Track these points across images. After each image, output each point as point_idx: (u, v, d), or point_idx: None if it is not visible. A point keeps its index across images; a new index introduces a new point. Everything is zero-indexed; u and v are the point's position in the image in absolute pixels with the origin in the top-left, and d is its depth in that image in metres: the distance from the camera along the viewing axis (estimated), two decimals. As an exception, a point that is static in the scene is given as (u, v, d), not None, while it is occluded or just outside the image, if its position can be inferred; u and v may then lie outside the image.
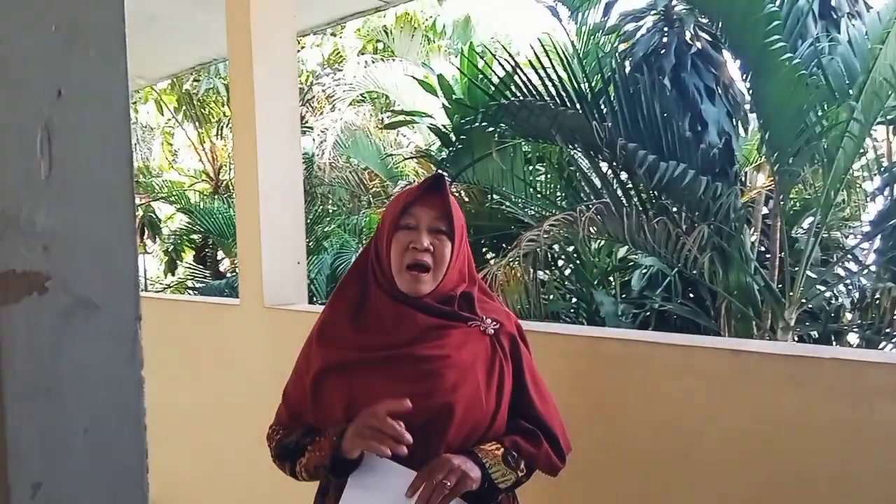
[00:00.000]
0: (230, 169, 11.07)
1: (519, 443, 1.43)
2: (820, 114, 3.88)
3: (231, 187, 10.47)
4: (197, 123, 11.53)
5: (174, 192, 10.08)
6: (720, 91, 4.36)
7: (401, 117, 7.51)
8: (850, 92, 3.97)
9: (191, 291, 9.57)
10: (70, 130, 0.58)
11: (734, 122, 4.48)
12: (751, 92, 3.88)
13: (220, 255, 10.39)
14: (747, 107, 4.58)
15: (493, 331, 1.46)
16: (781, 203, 4.12)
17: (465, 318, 1.45)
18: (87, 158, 0.59)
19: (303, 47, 10.73)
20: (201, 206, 9.37)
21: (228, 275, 9.59)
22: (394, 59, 9.57)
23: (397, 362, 1.38)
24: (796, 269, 4.16)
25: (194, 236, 10.24)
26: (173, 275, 10.55)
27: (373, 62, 10.22)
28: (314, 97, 11.31)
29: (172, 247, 10.40)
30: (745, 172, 5.44)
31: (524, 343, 1.56)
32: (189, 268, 10.64)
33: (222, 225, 8.59)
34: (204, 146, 11.61)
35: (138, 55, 4.58)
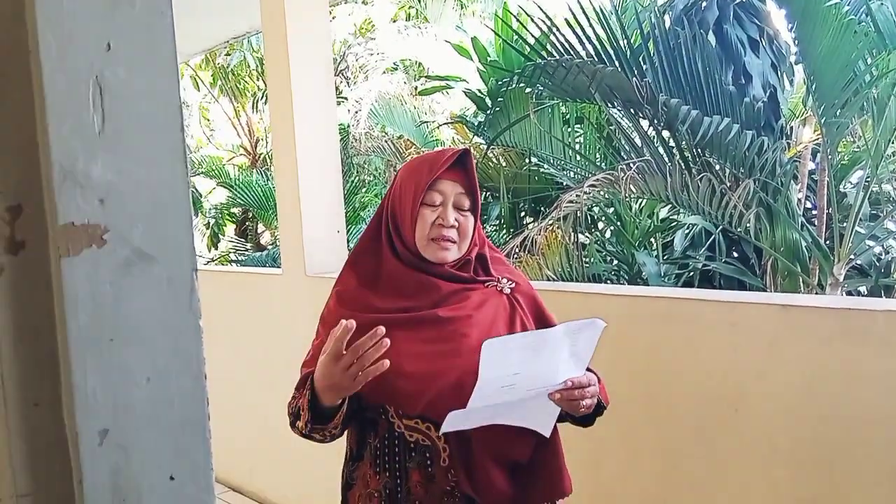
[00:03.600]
0: (267, 142, 11.15)
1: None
2: (869, 62, 3.75)
3: (268, 160, 10.56)
4: (232, 97, 11.60)
5: (213, 167, 10.19)
6: (764, 42, 4.22)
7: (435, 83, 7.45)
8: (901, 38, 3.82)
9: (233, 264, 9.71)
10: (121, 83, 0.58)
11: (779, 75, 4.35)
12: (796, 42, 3.76)
13: (261, 227, 10.51)
14: (793, 58, 4.44)
15: (509, 290, 1.51)
16: (829, 157, 4.01)
17: (482, 280, 1.49)
18: (139, 111, 0.59)
19: (334, 17, 10.69)
20: (240, 180, 9.46)
21: (269, 247, 9.70)
22: (427, 25, 9.48)
23: (421, 324, 1.42)
24: (844, 224, 4.06)
25: (234, 210, 10.37)
26: (216, 249, 10.71)
27: (406, 29, 10.14)
28: (348, 67, 11.28)
29: (214, 221, 10.55)
30: (791, 127, 5.30)
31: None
32: (231, 241, 10.79)
33: (261, 197, 8.67)
34: (240, 120, 11.69)
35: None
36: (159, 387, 0.59)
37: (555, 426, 1.44)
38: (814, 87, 3.66)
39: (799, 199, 4.66)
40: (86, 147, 0.57)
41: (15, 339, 0.56)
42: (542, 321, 1.54)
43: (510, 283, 1.52)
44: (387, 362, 1.27)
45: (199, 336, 0.62)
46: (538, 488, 1.45)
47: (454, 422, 1.30)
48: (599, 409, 1.46)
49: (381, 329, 1.26)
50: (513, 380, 1.29)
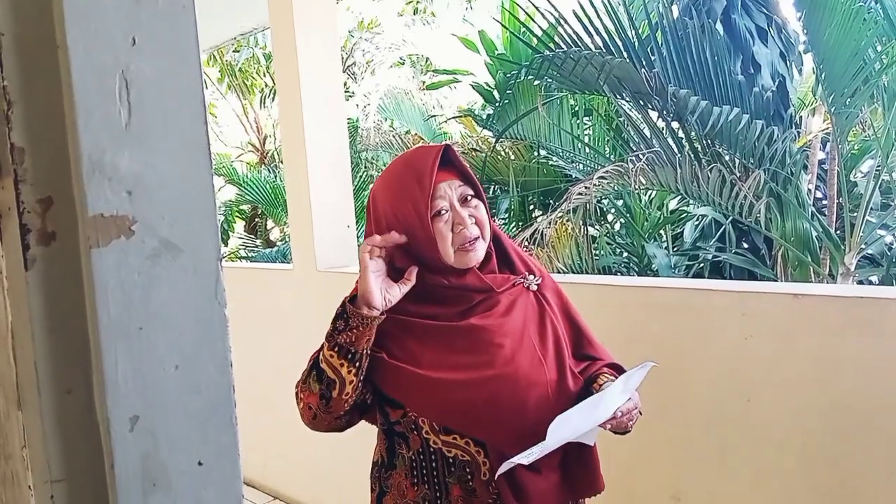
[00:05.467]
0: (275, 138, 11.17)
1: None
2: (879, 50, 3.73)
3: (277, 157, 10.58)
4: (240, 94, 11.63)
5: (221, 165, 10.22)
6: (773, 31, 4.21)
7: (443, 77, 7.44)
8: (912, 25, 3.80)
9: (243, 261, 9.75)
10: (145, 77, 0.60)
11: (788, 64, 4.34)
12: (805, 31, 3.74)
13: (270, 224, 10.54)
14: (801, 47, 4.42)
15: (535, 286, 1.46)
16: (839, 146, 3.99)
17: (507, 281, 1.43)
18: (164, 104, 0.60)
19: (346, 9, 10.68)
20: (248, 177, 9.48)
21: (279, 243, 9.73)
22: (434, 19, 9.48)
23: (452, 333, 1.37)
24: (855, 213, 4.04)
25: (244, 207, 10.40)
26: (226, 245, 10.75)
27: (413, 23, 10.14)
28: (355, 63, 11.29)
29: (223, 217, 10.58)
30: (801, 117, 5.28)
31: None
32: (240, 238, 10.82)
33: (270, 194, 8.69)
34: (248, 117, 11.71)
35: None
36: (187, 374, 0.61)
37: None
38: (823, 75, 3.64)
39: (809, 189, 4.64)
40: (113, 140, 0.58)
41: (47, 329, 0.58)
42: (570, 317, 1.52)
43: (536, 278, 1.47)
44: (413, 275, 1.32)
45: (224, 324, 0.63)
46: (577, 488, 1.45)
47: (508, 464, 1.29)
48: None
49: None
50: (573, 433, 1.32)
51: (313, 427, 1.41)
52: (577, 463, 1.44)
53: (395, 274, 1.37)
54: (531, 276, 1.47)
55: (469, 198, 1.39)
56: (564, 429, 1.28)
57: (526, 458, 1.27)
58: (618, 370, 1.51)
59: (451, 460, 1.37)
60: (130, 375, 0.58)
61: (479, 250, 1.38)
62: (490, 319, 1.38)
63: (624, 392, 1.36)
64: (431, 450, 1.38)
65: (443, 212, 1.35)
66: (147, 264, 0.59)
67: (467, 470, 1.37)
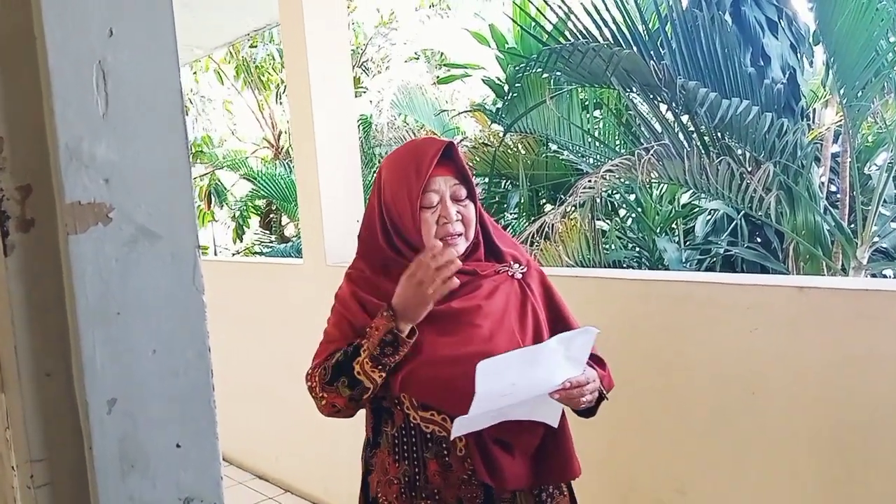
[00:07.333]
0: (290, 134, 11.21)
1: (595, 367, 1.50)
2: (891, 40, 3.68)
3: (291, 152, 10.62)
4: (256, 91, 11.69)
5: (236, 160, 10.29)
6: (783, 23, 4.17)
7: (455, 72, 7.44)
8: (924, 16, 3.74)
9: (258, 256, 9.81)
10: (123, 68, 0.61)
11: (799, 56, 4.29)
12: (816, 22, 3.70)
13: (285, 219, 10.60)
14: (812, 39, 4.38)
15: (520, 275, 1.51)
16: (851, 139, 3.95)
17: (492, 268, 1.49)
18: (141, 94, 0.62)
19: (356, 8, 10.71)
20: (263, 173, 9.54)
21: (294, 238, 9.78)
22: (449, 12, 9.48)
23: (435, 317, 1.42)
24: (868, 207, 4.00)
25: (258, 202, 10.46)
26: (241, 241, 10.83)
27: (428, 18, 10.14)
28: (370, 59, 11.31)
29: (238, 213, 10.66)
30: (813, 110, 5.23)
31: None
32: (255, 233, 10.89)
33: (284, 189, 8.74)
34: (263, 113, 11.77)
35: (194, 25, 4.66)
36: (165, 358, 0.62)
37: (563, 413, 1.47)
38: (834, 67, 3.61)
39: (822, 183, 4.60)
40: (90, 129, 0.59)
41: (27, 313, 0.59)
42: (553, 305, 1.56)
43: (521, 267, 1.52)
44: (455, 280, 1.36)
45: (202, 310, 0.64)
46: (550, 472, 1.49)
47: (462, 426, 1.34)
48: (600, 399, 1.49)
49: (439, 244, 1.38)
50: (510, 389, 1.33)
51: (329, 416, 1.48)
52: (551, 448, 1.47)
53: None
54: (516, 265, 1.52)
55: (461, 197, 1.45)
56: (498, 379, 1.30)
57: (471, 420, 1.32)
58: (597, 361, 1.54)
59: (428, 436, 1.43)
60: (108, 359, 0.60)
61: (460, 245, 1.45)
62: (471, 302, 1.45)
63: (569, 359, 1.37)
64: (412, 425, 1.44)
65: (433, 204, 1.43)
66: (124, 251, 0.61)
67: (444, 445, 1.42)
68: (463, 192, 1.45)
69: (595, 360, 1.53)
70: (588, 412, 1.50)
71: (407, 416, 1.44)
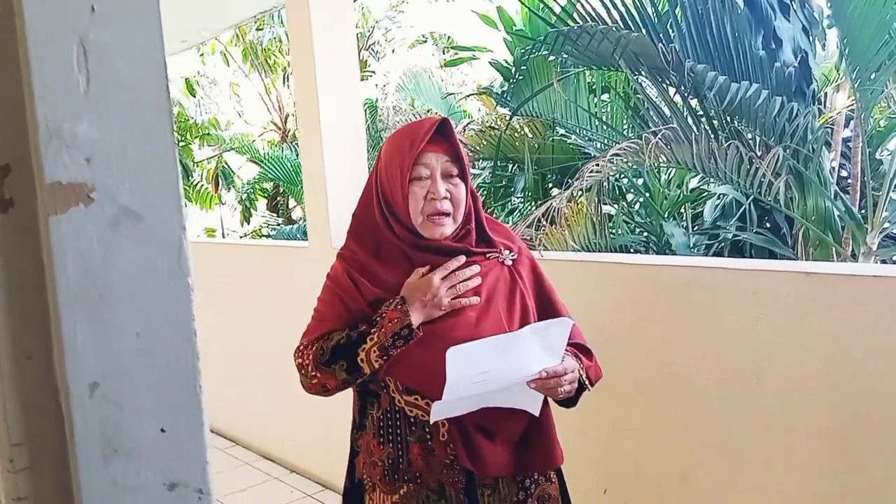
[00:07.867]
0: (296, 117, 11.18)
1: (580, 355, 1.50)
2: (906, 24, 3.62)
3: (298, 135, 10.59)
4: (262, 73, 11.65)
5: (243, 143, 10.27)
6: (795, 6, 4.10)
7: (462, 55, 7.38)
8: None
9: (265, 239, 9.82)
10: (105, 45, 0.59)
11: (811, 39, 4.23)
12: (829, 4, 3.64)
13: (292, 202, 10.60)
14: (825, 22, 4.31)
15: (510, 261, 1.52)
16: (863, 123, 3.89)
17: (482, 252, 1.50)
18: (123, 72, 0.60)
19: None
20: (270, 155, 9.53)
21: (300, 221, 9.78)
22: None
23: None
24: (879, 192, 3.95)
25: (265, 185, 10.46)
26: (248, 224, 10.84)
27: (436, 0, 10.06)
28: (376, 42, 11.25)
29: (246, 196, 10.66)
30: (825, 94, 5.16)
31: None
32: (263, 216, 10.90)
33: (291, 172, 8.73)
34: (270, 96, 11.74)
35: (200, 7, 4.64)
36: (148, 342, 0.61)
37: (545, 402, 1.48)
38: (847, 50, 3.55)
39: (833, 168, 4.54)
40: (71, 107, 0.58)
41: (7, 295, 0.58)
42: (542, 292, 1.56)
43: (512, 254, 1.53)
44: (476, 298, 1.40)
45: (188, 292, 0.63)
46: (532, 461, 1.49)
47: (439, 411, 1.36)
48: (582, 389, 1.48)
49: (476, 268, 1.43)
50: (483, 377, 1.33)
51: (314, 394, 1.50)
52: (534, 437, 1.47)
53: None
54: (506, 252, 1.52)
55: (452, 174, 1.46)
56: (470, 366, 1.30)
57: (449, 405, 1.33)
58: (582, 350, 1.53)
59: (412, 420, 1.44)
60: (90, 342, 0.59)
61: (447, 226, 1.46)
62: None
63: (546, 349, 1.37)
64: (396, 409, 1.45)
65: (422, 178, 1.44)
66: (107, 232, 0.59)
67: (427, 430, 1.43)
68: (454, 170, 1.46)
69: (582, 350, 1.53)
70: (568, 402, 1.50)
71: (392, 399, 1.45)
